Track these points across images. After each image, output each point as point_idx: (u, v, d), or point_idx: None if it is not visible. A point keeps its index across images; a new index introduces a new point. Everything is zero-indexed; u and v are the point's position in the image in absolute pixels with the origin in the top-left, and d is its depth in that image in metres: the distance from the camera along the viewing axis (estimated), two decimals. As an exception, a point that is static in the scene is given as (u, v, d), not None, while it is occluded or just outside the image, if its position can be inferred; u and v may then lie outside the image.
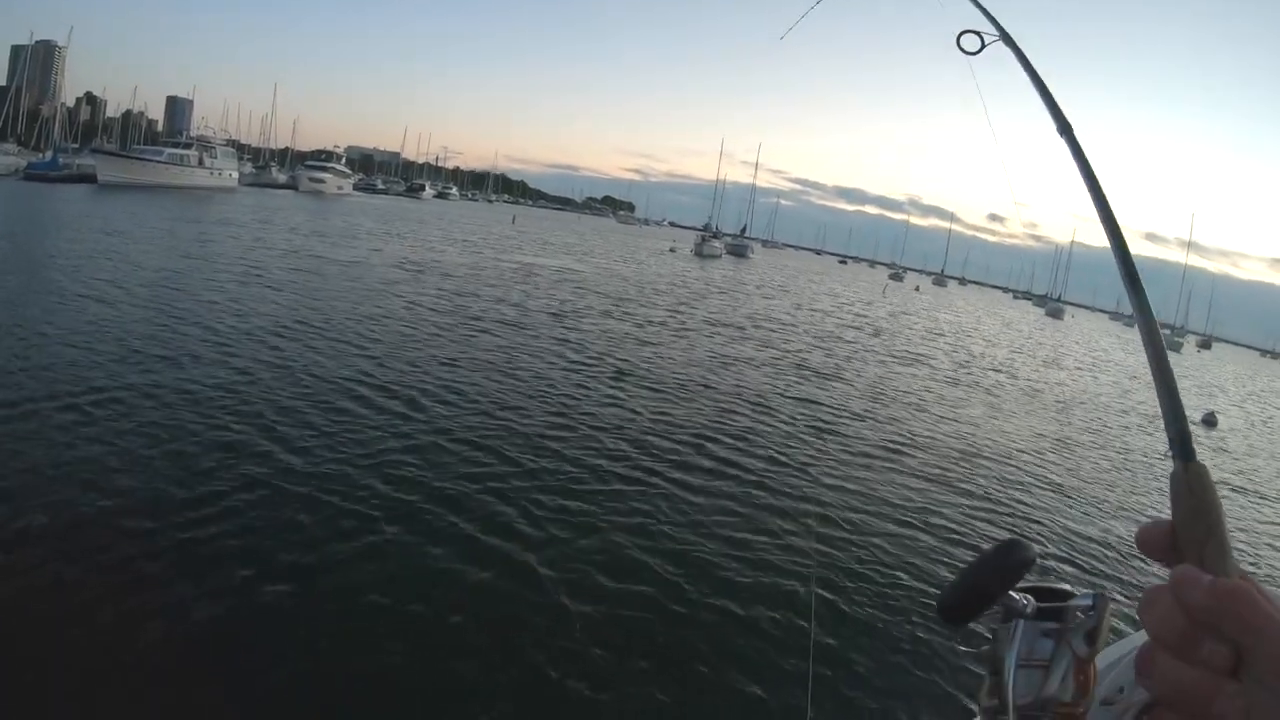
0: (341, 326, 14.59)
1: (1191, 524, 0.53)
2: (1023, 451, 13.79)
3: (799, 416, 13.10)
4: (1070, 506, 10.87)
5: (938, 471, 11.18)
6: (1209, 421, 24.82)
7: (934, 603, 0.89)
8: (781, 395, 14.72)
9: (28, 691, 4.10)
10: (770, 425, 12.09)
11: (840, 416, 13.76)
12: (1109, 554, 9.02)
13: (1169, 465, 0.62)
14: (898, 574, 7.28)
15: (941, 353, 28.87)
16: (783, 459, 10.40)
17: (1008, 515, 9.85)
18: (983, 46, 1.23)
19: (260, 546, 5.86)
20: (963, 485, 10.74)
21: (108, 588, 5.03)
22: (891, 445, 12.24)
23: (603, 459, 9.17)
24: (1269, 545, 11.50)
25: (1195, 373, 54.13)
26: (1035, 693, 0.67)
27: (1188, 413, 0.69)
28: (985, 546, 1.16)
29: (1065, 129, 0.96)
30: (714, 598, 6.19)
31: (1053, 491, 11.45)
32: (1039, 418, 18.50)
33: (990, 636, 0.87)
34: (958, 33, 1.22)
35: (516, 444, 9.13)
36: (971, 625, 0.83)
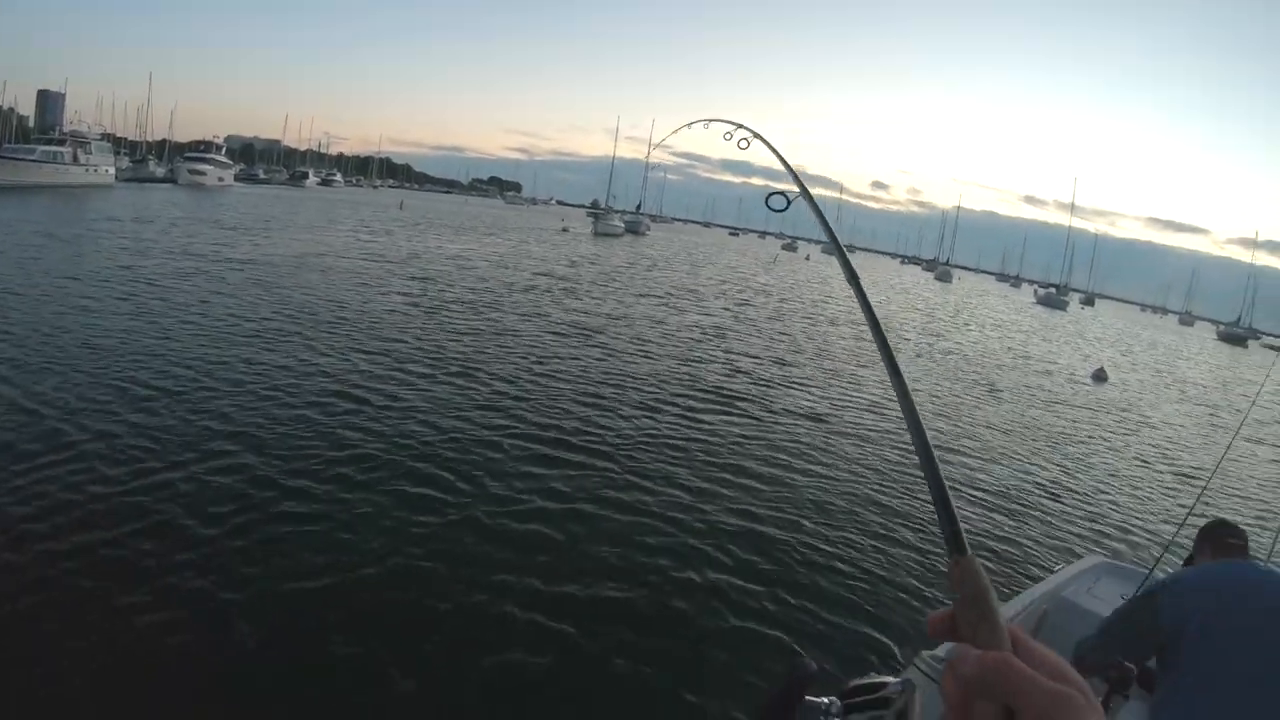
0: (280, 329, 14.12)
1: (966, 609, 0.63)
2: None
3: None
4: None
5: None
6: (1099, 377, 26.29)
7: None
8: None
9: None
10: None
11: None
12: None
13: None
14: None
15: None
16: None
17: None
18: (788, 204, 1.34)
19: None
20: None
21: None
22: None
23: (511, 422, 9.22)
24: (1157, 463, 13.18)
25: (1081, 330, 58.04)
26: None
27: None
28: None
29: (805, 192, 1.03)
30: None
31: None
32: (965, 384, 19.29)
33: None
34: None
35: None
36: None
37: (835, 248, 0.89)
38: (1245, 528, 3.21)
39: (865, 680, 1.03)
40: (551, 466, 8.77)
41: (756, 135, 1.30)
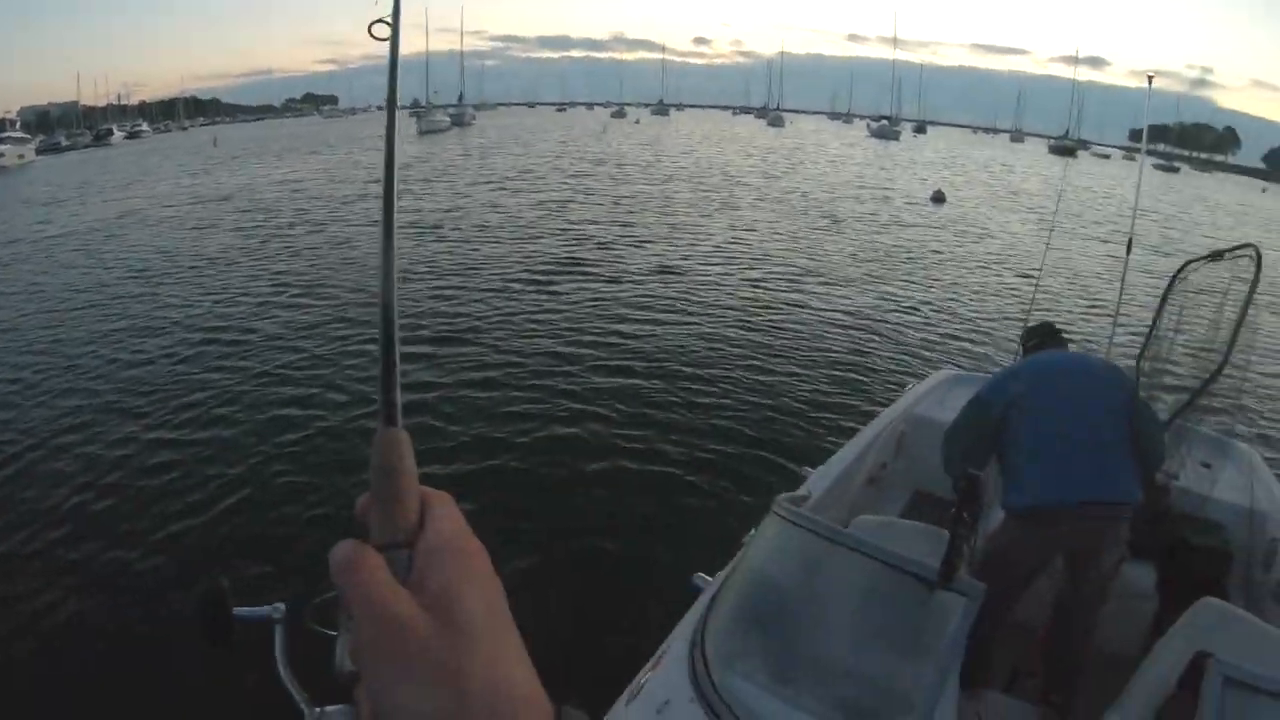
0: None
1: (373, 488, 0.55)
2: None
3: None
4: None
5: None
6: (937, 199, 27.14)
7: None
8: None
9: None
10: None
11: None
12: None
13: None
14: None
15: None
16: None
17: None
18: None
19: None
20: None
21: None
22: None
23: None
24: (998, 271, 13.36)
25: (916, 156, 59.70)
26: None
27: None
28: None
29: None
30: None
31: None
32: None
33: None
34: None
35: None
36: None
37: None
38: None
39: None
40: (420, 362, 8.71)
41: None
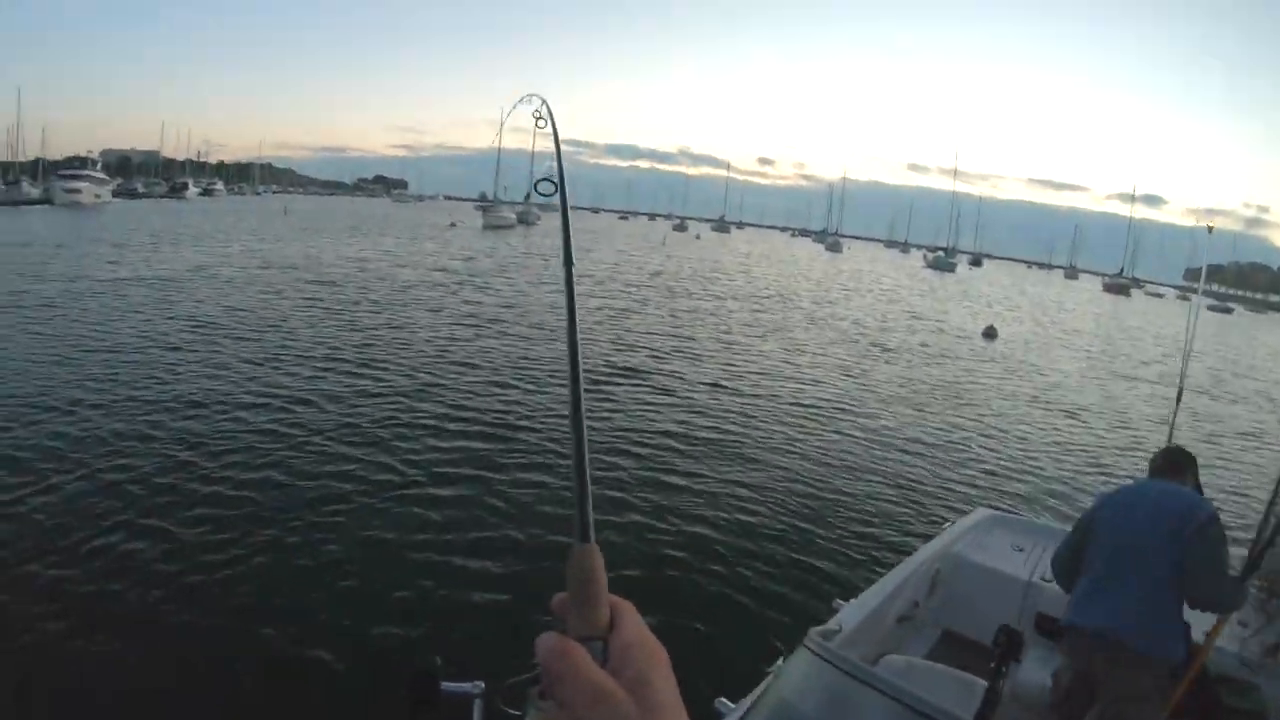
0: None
1: (571, 594, 0.63)
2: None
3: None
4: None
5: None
6: (989, 334, 27.21)
7: None
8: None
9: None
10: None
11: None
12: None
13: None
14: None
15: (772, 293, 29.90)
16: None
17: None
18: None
19: None
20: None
21: None
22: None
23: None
24: (1044, 410, 13.90)
25: (970, 289, 59.96)
26: None
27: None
28: None
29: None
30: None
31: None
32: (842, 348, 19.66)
33: None
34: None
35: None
36: None
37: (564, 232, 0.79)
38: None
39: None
40: (472, 440, 9.24)
41: (547, 108, 1.22)
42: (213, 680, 4.72)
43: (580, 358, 0.75)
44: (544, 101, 1.13)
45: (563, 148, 0.94)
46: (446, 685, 1.21)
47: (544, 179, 0.92)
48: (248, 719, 4.50)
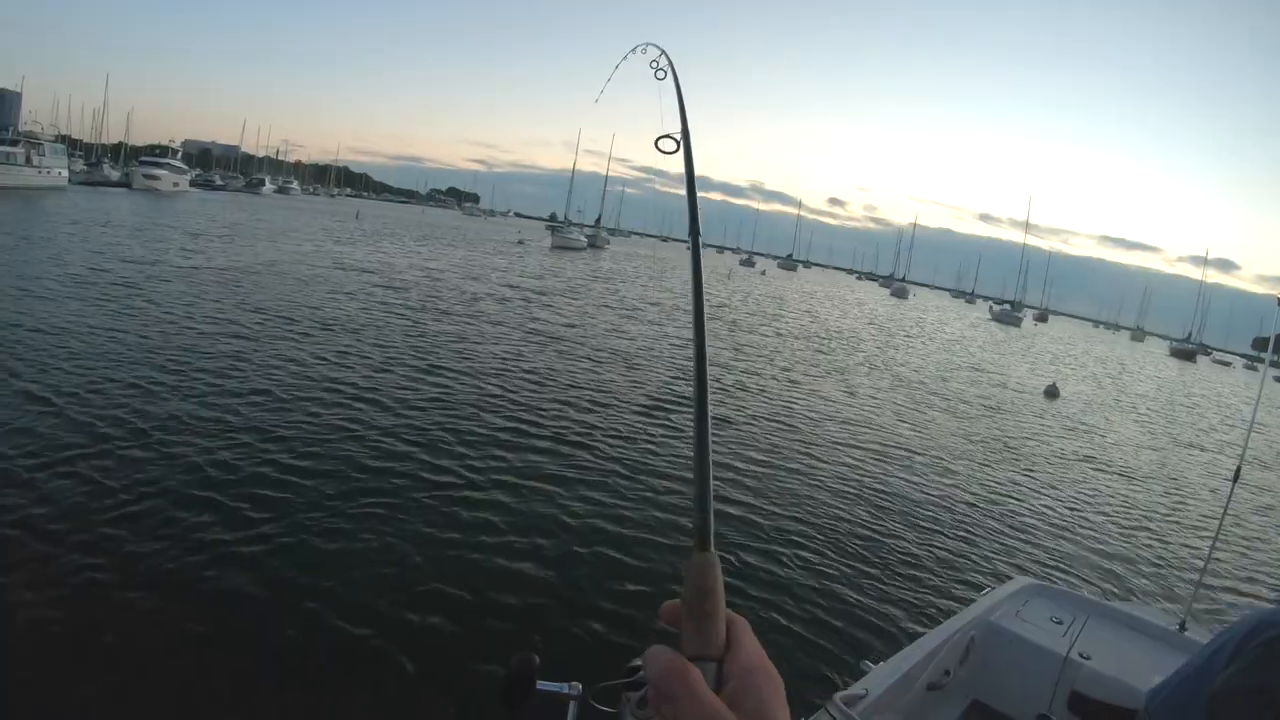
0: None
1: (688, 604, 0.61)
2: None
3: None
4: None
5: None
6: (1050, 393, 26.86)
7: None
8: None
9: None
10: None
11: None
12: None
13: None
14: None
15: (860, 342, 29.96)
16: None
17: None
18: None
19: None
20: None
21: None
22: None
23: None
24: (1099, 477, 13.78)
25: (1035, 345, 59.06)
26: None
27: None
28: None
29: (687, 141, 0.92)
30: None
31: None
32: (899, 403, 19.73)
33: None
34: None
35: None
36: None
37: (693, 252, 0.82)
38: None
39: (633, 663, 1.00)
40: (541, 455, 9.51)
41: (666, 58, 1.11)
42: (287, 654, 4.99)
43: (706, 365, 0.72)
44: (663, 51, 1.07)
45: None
46: (542, 685, 1.20)
47: (665, 135, 0.88)
48: (320, 700, 4.67)
